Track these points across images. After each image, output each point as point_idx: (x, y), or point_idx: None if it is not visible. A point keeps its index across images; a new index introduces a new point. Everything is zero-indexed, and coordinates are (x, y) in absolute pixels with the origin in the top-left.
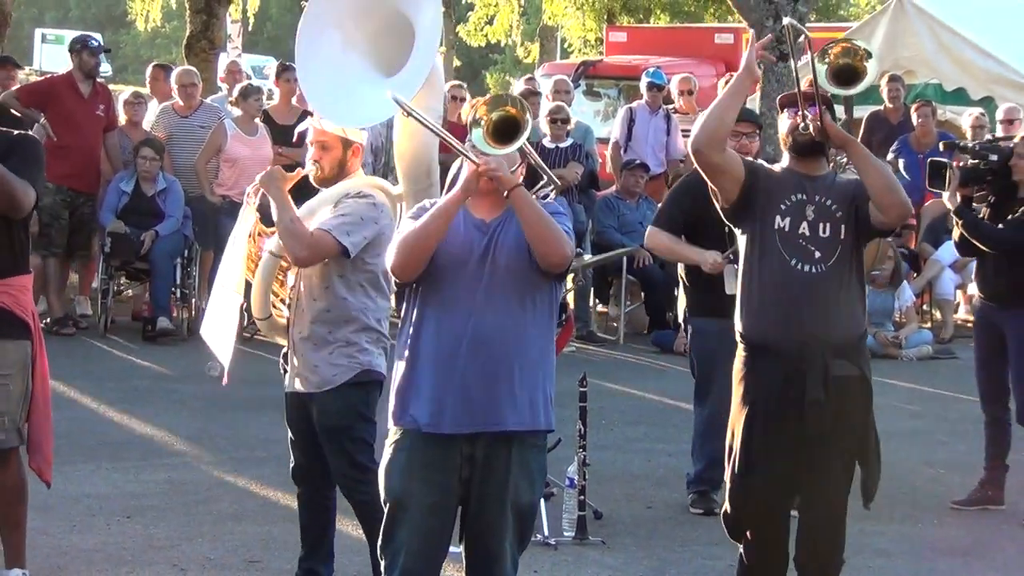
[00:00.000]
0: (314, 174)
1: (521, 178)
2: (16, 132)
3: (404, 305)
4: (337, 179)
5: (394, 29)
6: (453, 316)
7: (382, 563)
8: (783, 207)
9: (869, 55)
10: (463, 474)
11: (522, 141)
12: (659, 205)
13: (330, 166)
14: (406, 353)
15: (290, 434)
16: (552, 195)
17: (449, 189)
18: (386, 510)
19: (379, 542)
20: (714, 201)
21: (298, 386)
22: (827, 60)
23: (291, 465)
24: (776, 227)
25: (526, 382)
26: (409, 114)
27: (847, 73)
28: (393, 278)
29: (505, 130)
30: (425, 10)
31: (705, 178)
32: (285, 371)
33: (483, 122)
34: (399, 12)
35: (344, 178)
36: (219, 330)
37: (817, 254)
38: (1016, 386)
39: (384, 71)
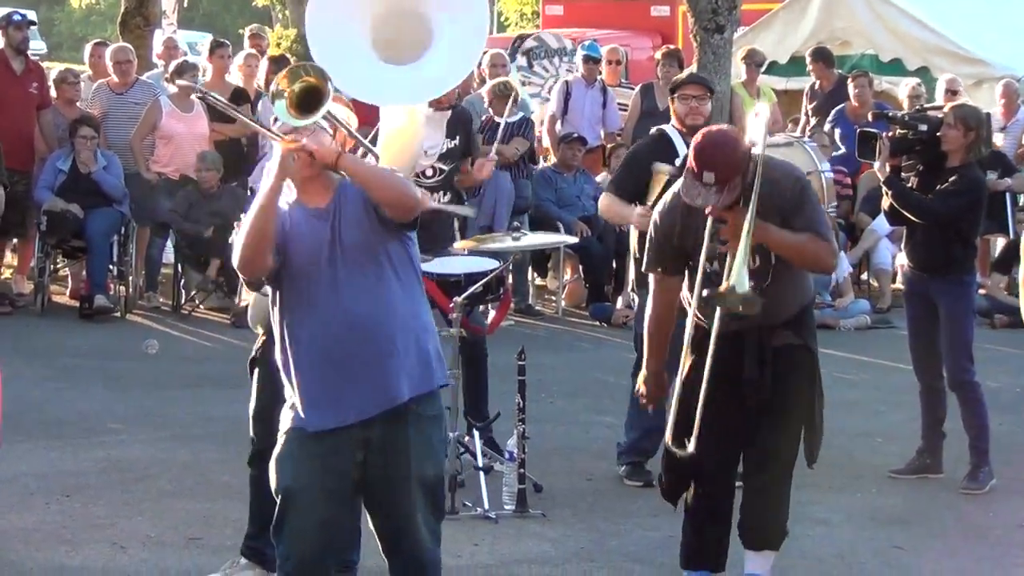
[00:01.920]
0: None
1: (340, 146)
2: None
3: (273, 312)
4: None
5: (407, 23)
6: (321, 311)
7: (277, 550)
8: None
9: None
10: (358, 457)
11: (325, 109)
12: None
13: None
14: (286, 359)
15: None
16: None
17: None
18: (278, 501)
19: (271, 530)
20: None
21: None
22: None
23: (252, 450)
24: (707, 271)
25: (409, 347)
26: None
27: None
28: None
29: (308, 100)
30: (448, 19)
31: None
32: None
33: (285, 94)
34: (415, 11)
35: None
36: None
37: (752, 283)
38: (948, 354)
39: (391, 59)
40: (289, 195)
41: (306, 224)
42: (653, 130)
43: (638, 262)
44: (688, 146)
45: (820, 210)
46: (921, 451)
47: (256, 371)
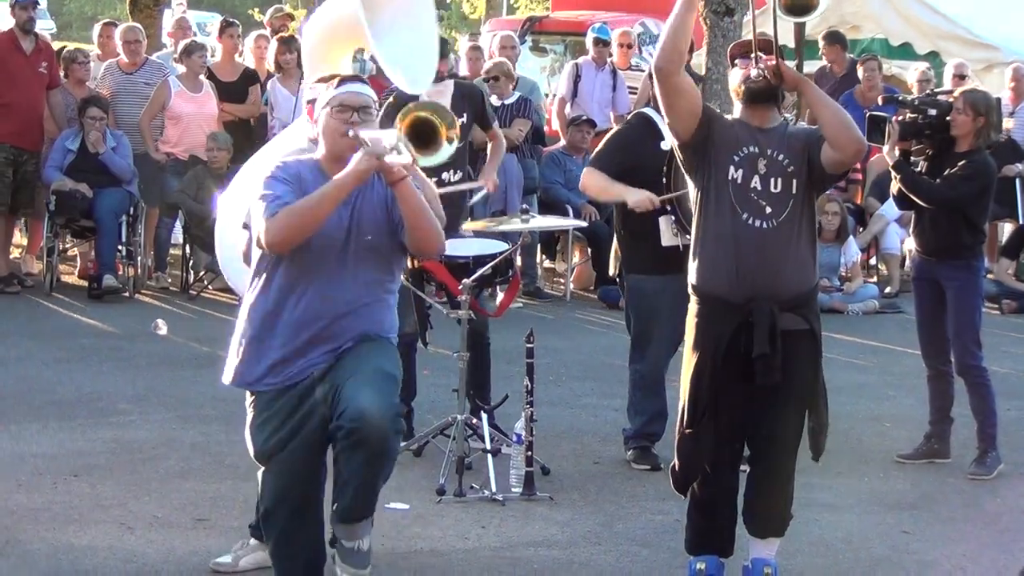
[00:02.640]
0: None
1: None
2: None
3: (259, 269)
4: None
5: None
6: (319, 287)
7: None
8: (736, 158)
9: None
10: (323, 412)
11: (448, 151)
12: (596, 149)
13: None
14: (258, 319)
15: None
16: (474, 197)
17: None
18: (261, 468)
19: (260, 484)
20: (673, 140)
21: None
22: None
23: None
24: (729, 178)
25: (380, 307)
26: None
27: (802, 5)
28: (263, 249)
29: (426, 134)
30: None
31: (663, 110)
32: None
33: (400, 126)
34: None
35: None
36: None
37: (768, 209)
38: (955, 339)
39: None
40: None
41: None
42: (634, 113)
43: (622, 241)
44: None
45: None
46: (929, 436)
47: None
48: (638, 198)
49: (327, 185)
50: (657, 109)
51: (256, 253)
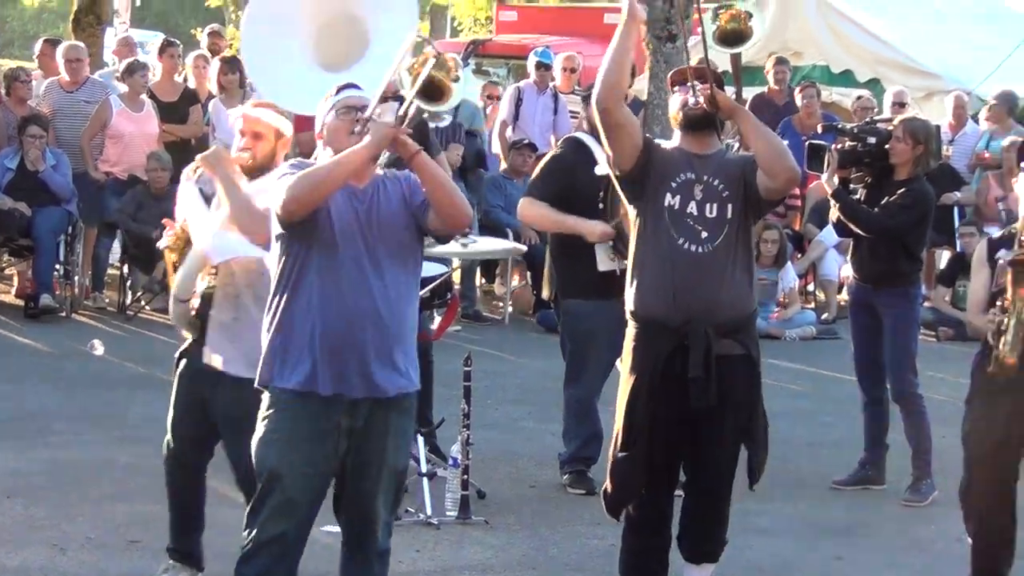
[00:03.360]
0: (244, 162)
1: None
2: None
3: (283, 266)
4: (265, 170)
5: (345, 29)
6: (341, 287)
7: (248, 532)
8: (673, 185)
9: (751, 16)
10: (342, 446)
11: (457, 98)
12: (530, 178)
13: (262, 155)
14: (284, 316)
15: None
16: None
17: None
18: (261, 481)
19: (248, 512)
20: (613, 170)
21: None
22: (717, 24)
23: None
24: (666, 205)
25: (407, 348)
26: None
27: (734, 35)
28: (278, 218)
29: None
30: (383, 21)
31: (606, 143)
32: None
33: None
34: (353, 14)
35: (271, 170)
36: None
37: (704, 234)
38: (892, 366)
39: (327, 67)
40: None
41: (342, 198)
42: (565, 137)
43: (558, 264)
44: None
45: None
46: (864, 462)
47: (179, 370)
48: (599, 231)
49: (342, 153)
50: (591, 133)
51: (275, 254)
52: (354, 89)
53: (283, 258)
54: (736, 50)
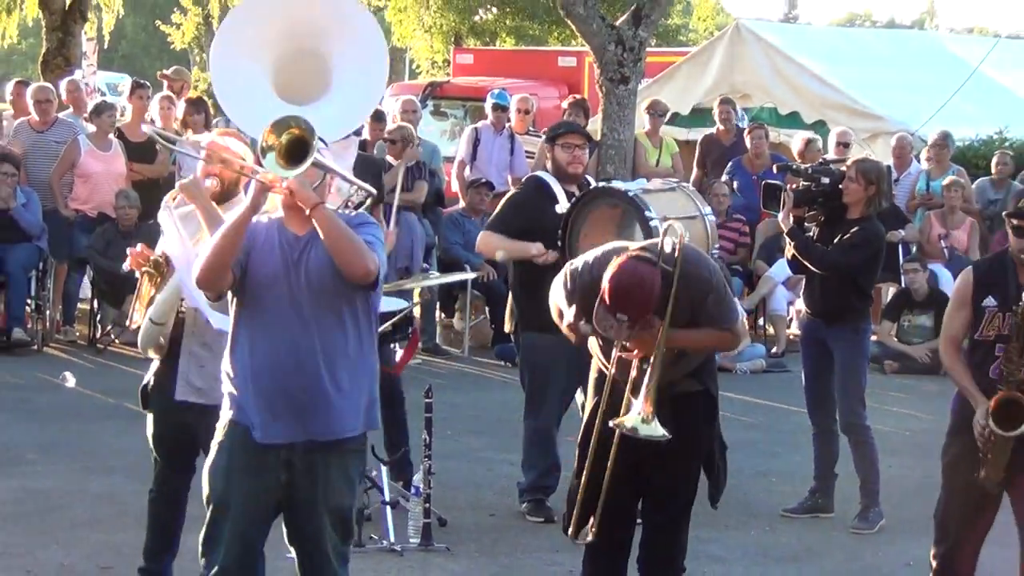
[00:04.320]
0: (211, 189)
1: (330, 192)
2: None
3: (232, 319)
4: (229, 196)
5: (309, 64)
6: (270, 331)
7: (204, 560)
8: None
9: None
10: (282, 478)
11: (311, 160)
12: (488, 216)
13: (228, 182)
14: (232, 365)
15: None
16: (368, 203)
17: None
18: (208, 511)
19: (200, 540)
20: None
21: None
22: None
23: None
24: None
25: (347, 389)
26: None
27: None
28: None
29: (295, 151)
30: (349, 59)
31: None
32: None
33: (274, 147)
34: (316, 51)
35: (234, 197)
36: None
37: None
38: (841, 398)
39: (287, 98)
40: (273, 213)
41: (278, 245)
42: (528, 176)
43: (518, 299)
44: (564, 191)
45: (727, 300)
46: (814, 491)
47: (152, 398)
48: (541, 253)
49: (228, 223)
50: (551, 172)
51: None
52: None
53: (231, 302)
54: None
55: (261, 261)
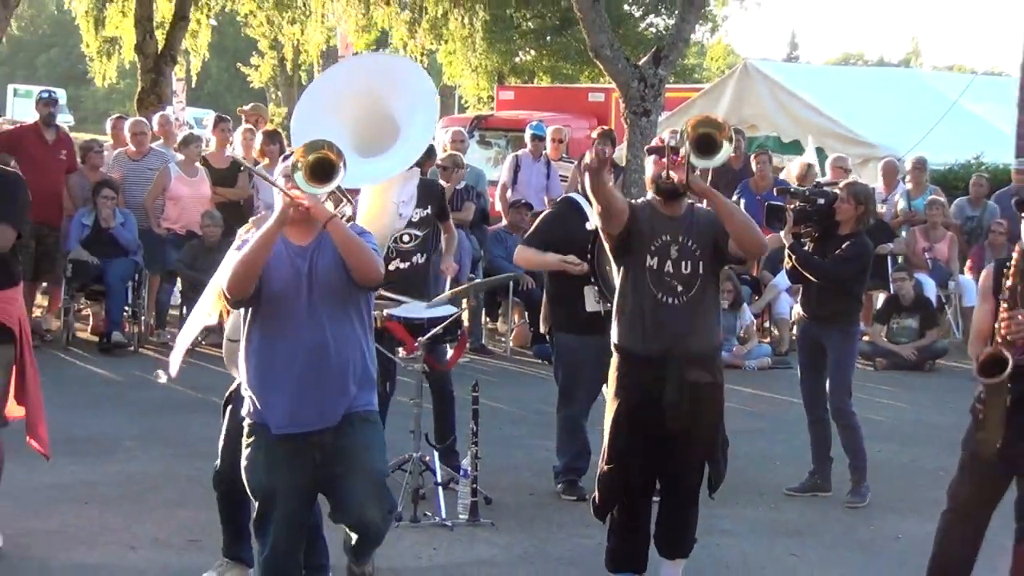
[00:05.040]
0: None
1: (334, 207)
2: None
3: (246, 325)
4: None
5: (380, 123)
6: (294, 332)
7: (260, 544)
8: (653, 248)
9: (731, 134)
10: (316, 458)
11: (338, 181)
12: (530, 226)
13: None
14: (251, 366)
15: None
16: (348, 212)
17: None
18: (258, 501)
19: (254, 527)
20: (602, 235)
21: None
22: (685, 131)
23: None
24: (647, 265)
25: (359, 372)
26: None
27: (706, 140)
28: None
29: (321, 170)
30: (414, 122)
31: (601, 223)
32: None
33: (300, 165)
34: (389, 114)
35: None
36: (181, 340)
37: (679, 288)
38: (833, 390)
39: (359, 152)
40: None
41: (287, 258)
42: (562, 197)
43: (552, 305)
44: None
45: None
46: (813, 473)
47: (229, 408)
48: (576, 268)
49: (257, 235)
50: (583, 195)
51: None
52: None
53: (244, 313)
54: (711, 163)
55: (274, 272)
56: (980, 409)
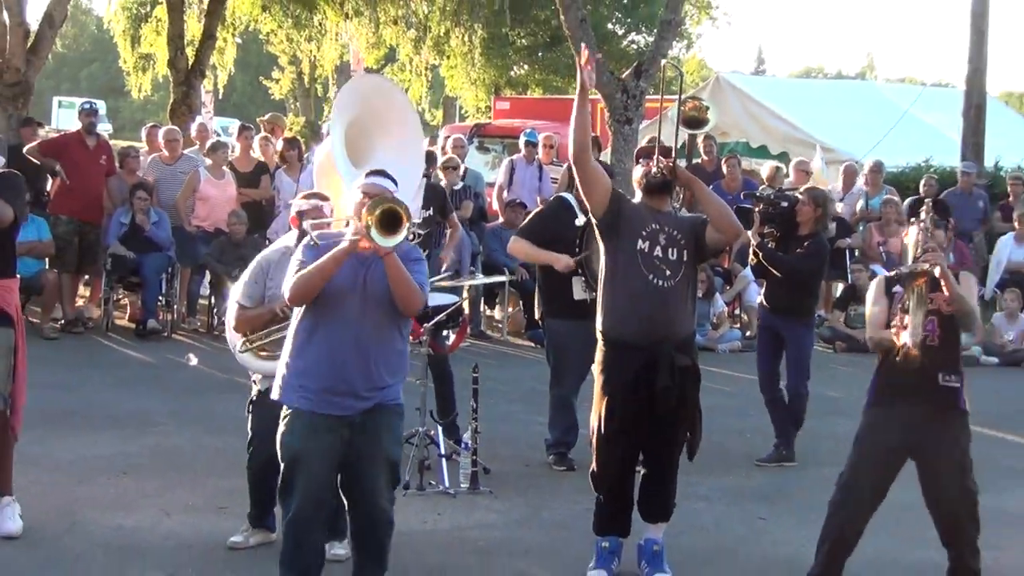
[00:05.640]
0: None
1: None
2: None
3: (305, 314)
4: None
5: (369, 138)
6: (337, 325)
7: (283, 507)
8: (644, 233)
9: (708, 108)
10: (344, 435)
11: (406, 231)
12: (524, 221)
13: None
14: (296, 346)
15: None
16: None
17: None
18: (283, 468)
19: (279, 491)
20: (589, 213)
21: None
22: (683, 110)
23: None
24: (638, 248)
25: (394, 370)
26: None
27: (695, 121)
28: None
29: (390, 220)
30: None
31: (580, 192)
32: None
33: (372, 223)
34: (379, 129)
35: None
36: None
37: (667, 272)
38: (792, 372)
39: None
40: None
41: (349, 262)
42: (553, 197)
43: (543, 293)
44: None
45: None
46: (778, 445)
47: (254, 411)
48: (564, 263)
49: (326, 257)
50: (573, 194)
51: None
52: (377, 177)
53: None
54: (697, 131)
55: (335, 277)
56: (903, 316)
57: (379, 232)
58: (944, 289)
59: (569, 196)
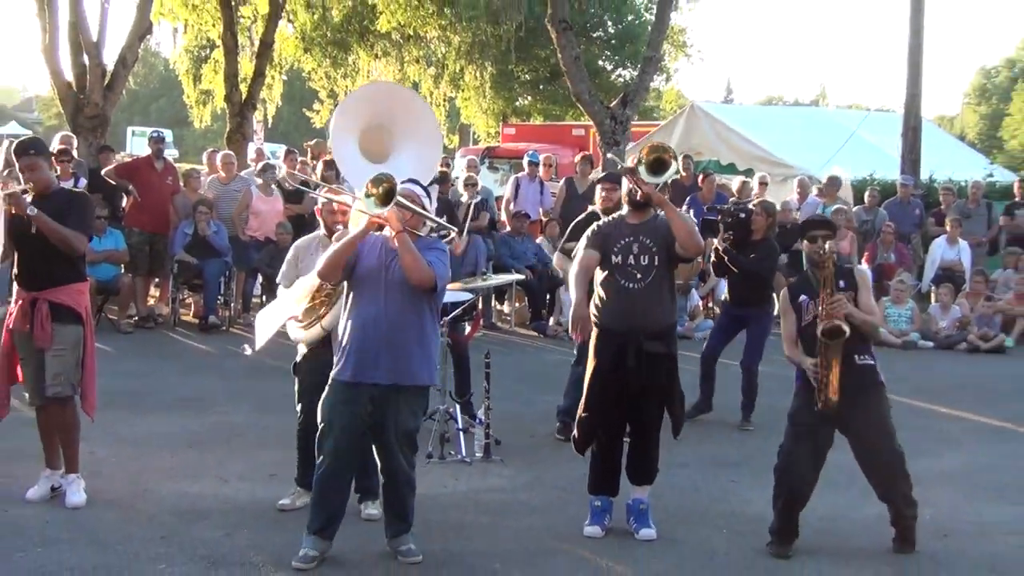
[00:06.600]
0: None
1: (423, 225)
2: (73, 191)
3: (345, 298)
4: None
5: (384, 136)
6: (368, 305)
7: (318, 454)
8: (616, 248)
9: (675, 155)
10: (368, 407)
11: (394, 202)
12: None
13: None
14: (343, 332)
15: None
16: (452, 235)
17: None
18: (321, 426)
19: (317, 441)
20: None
21: None
22: (641, 158)
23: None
24: (613, 262)
25: (418, 353)
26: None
27: (657, 166)
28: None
29: (388, 196)
30: (411, 136)
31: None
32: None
33: (372, 194)
34: (391, 129)
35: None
36: (267, 323)
37: (638, 276)
38: (749, 353)
39: (374, 160)
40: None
41: (376, 247)
42: (589, 209)
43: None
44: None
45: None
46: (698, 402)
47: (297, 374)
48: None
49: (347, 238)
50: (577, 205)
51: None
52: (410, 184)
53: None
54: (660, 180)
55: (365, 258)
56: (820, 374)
57: (377, 203)
58: (855, 326)
59: (597, 209)
